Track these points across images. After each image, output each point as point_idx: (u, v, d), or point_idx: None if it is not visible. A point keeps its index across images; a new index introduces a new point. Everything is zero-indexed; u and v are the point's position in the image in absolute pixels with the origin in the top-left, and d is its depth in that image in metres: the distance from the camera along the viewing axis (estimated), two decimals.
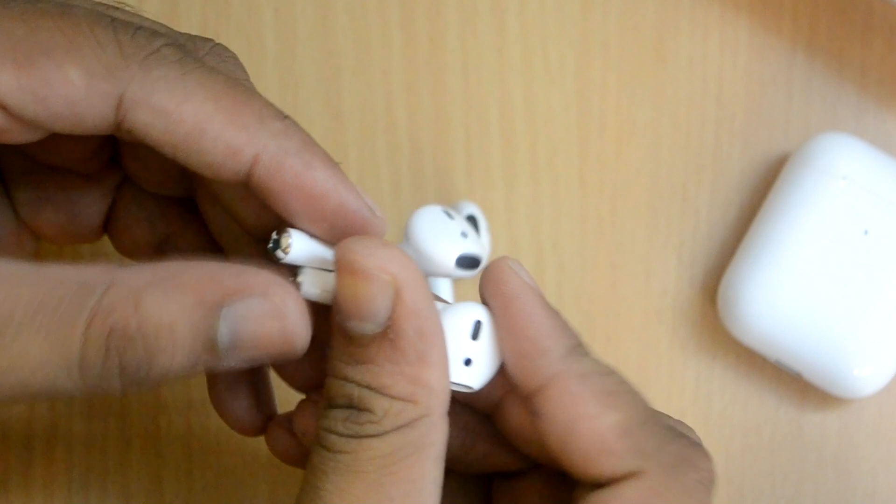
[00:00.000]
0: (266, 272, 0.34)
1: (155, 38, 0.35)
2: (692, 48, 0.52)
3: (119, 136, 0.35)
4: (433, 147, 0.51)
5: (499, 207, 0.51)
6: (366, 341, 0.33)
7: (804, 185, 0.48)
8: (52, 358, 0.33)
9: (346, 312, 0.33)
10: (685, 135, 0.51)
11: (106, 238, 0.42)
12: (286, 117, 0.35)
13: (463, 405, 0.38)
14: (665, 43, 0.52)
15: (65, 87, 0.33)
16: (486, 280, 0.36)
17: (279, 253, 0.35)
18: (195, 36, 0.38)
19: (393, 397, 0.33)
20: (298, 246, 0.36)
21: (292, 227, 0.36)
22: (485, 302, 0.36)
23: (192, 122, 0.34)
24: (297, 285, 0.35)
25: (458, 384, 0.35)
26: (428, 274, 0.35)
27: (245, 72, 0.39)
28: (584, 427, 0.34)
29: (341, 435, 0.33)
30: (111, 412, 0.50)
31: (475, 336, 0.35)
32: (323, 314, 0.35)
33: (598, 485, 0.34)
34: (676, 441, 0.35)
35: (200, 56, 0.37)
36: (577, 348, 0.35)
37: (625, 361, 0.50)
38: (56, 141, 0.36)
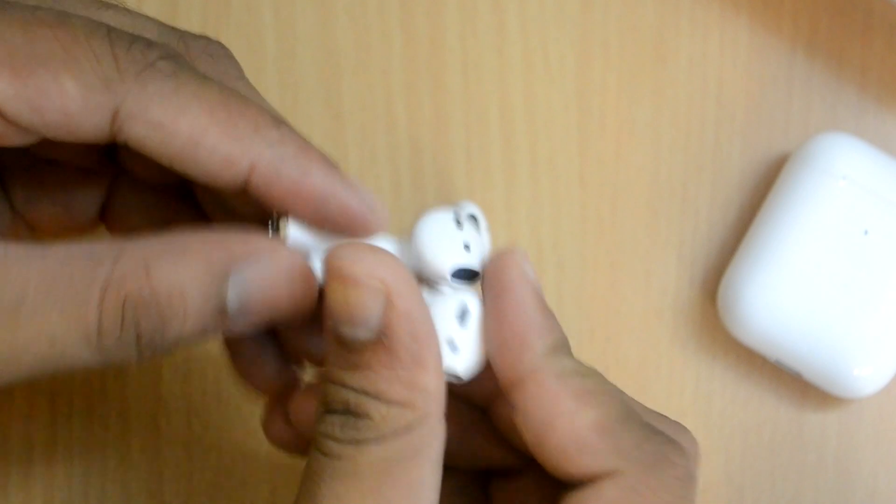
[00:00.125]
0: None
1: (150, 50, 0.35)
2: (692, 48, 0.52)
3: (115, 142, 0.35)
4: (433, 147, 0.51)
5: (499, 207, 0.51)
6: (360, 346, 0.33)
7: (804, 185, 0.48)
8: (70, 331, 0.33)
9: (337, 318, 0.33)
10: (685, 135, 0.51)
11: (103, 228, 0.42)
12: (282, 123, 0.35)
13: (458, 399, 0.38)
14: (665, 43, 0.52)
15: (61, 98, 0.34)
16: (489, 267, 0.36)
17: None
18: (187, 33, 0.38)
19: (390, 402, 0.33)
20: (296, 235, 0.36)
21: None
22: (485, 289, 0.36)
23: (187, 134, 0.34)
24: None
25: (446, 372, 0.35)
26: (426, 277, 0.36)
27: (239, 69, 0.39)
28: (561, 424, 0.34)
29: (339, 440, 0.33)
30: (111, 412, 0.50)
31: (462, 322, 0.35)
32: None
33: (577, 484, 0.34)
34: (653, 439, 0.35)
35: (193, 57, 0.37)
36: (561, 349, 0.35)
37: (625, 361, 0.50)
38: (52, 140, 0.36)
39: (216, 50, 0.38)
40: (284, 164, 0.35)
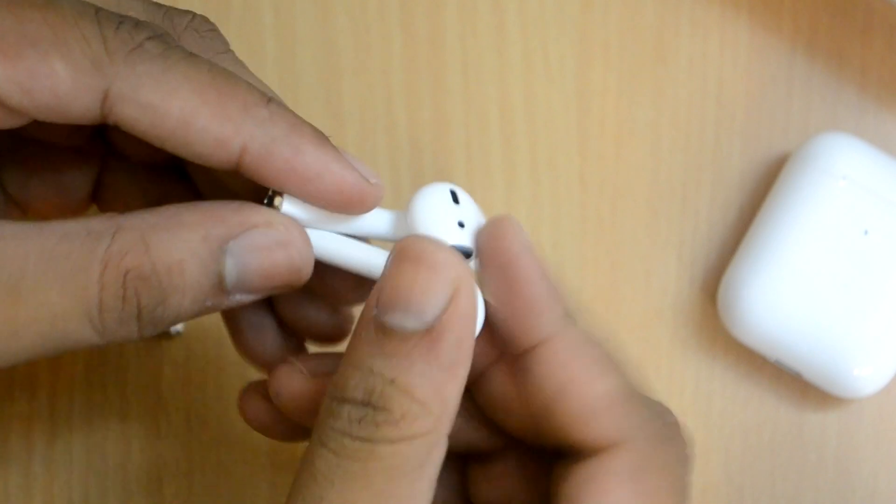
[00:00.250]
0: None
1: (138, 30, 0.34)
2: (692, 48, 0.52)
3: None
4: (433, 147, 0.51)
5: (499, 207, 0.51)
6: (402, 335, 0.32)
7: (804, 185, 0.48)
8: (71, 307, 0.33)
9: (391, 302, 0.32)
10: (685, 135, 0.51)
11: (95, 209, 0.42)
12: (271, 101, 0.35)
13: None
14: (665, 43, 0.52)
15: (51, 80, 0.33)
16: (486, 235, 0.36)
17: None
18: (172, 9, 0.38)
19: (414, 399, 0.32)
20: (291, 212, 0.36)
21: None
22: (481, 257, 0.36)
23: (178, 116, 0.34)
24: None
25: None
26: None
27: (226, 43, 0.38)
28: (576, 390, 0.34)
29: (354, 438, 0.32)
30: (111, 412, 0.50)
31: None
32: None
33: (581, 456, 0.34)
34: (658, 418, 0.35)
35: (179, 33, 0.37)
36: (571, 315, 0.35)
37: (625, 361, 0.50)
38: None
39: (201, 25, 0.38)
40: (276, 144, 0.34)
